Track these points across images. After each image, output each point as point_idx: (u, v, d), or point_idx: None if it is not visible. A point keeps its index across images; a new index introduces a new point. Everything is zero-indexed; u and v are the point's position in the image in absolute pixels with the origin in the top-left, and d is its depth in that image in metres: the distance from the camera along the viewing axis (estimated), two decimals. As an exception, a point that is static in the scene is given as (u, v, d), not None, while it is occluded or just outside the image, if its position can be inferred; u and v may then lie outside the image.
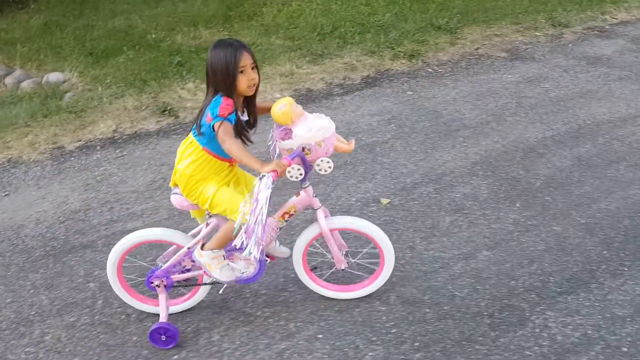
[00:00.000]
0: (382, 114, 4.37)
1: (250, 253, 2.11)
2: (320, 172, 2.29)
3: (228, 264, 2.47)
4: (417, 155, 3.81)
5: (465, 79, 4.93)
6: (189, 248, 2.47)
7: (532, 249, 2.94)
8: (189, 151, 2.29)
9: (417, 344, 2.43)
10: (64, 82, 5.07)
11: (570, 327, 2.48)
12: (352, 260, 2.68)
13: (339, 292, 2.71)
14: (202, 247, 2.43)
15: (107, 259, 2.53)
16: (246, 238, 2.12)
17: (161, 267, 2.54)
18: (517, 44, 5.62)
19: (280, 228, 2.48)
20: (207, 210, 2.37)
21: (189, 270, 2.56)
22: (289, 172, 2.22)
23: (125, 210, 3.37)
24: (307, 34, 5.79)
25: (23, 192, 3.62)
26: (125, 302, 2.65)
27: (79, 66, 5.25)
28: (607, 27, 6.09)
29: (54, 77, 5.09)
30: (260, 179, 2.08)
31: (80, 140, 4.17)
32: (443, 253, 2.93)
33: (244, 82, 2.17)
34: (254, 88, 2.22)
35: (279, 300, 2.71)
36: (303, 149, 2.26)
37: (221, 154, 2.27)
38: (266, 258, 2.56)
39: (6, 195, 3.62)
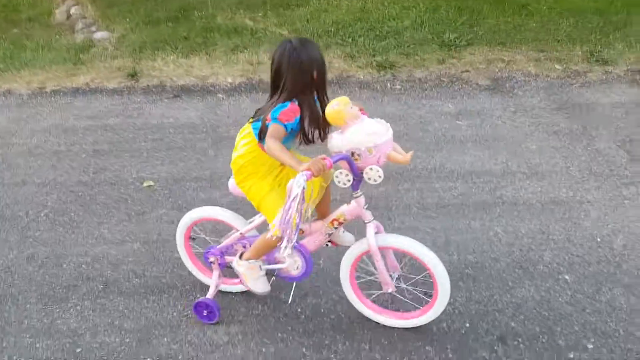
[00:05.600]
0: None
1: (283, 249, 2.09)
2: (369, 181, 2.18)
3: (264, 276, 2.58)
4: None
5: (407, 100, 4.72)
6: (242, 234, 2.59)
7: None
8: (244, 142, 2.36)
9: None
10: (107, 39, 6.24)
11: None
12: (404, 286, 2.57)
13: (387, 317, 2.60)
14: (240, 257, 2.56)
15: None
16: (281, 235, 2.11)
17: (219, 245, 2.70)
18: (514, 74, 5.03)
19: (330, 234, 2.46)
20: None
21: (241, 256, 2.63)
22: (336, 177, 2.18)
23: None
24: (317, 28, 5.99)
25: None
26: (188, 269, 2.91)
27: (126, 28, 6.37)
28: (666, 72, 5.00)
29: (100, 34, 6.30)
30: (295, 179, 2.04)
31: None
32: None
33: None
34: None
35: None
36: (352, 153, 2.16)
37: None
38: (328, 244, 2.56)
39: None
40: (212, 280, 2.74)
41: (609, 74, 4.98)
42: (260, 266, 2.54)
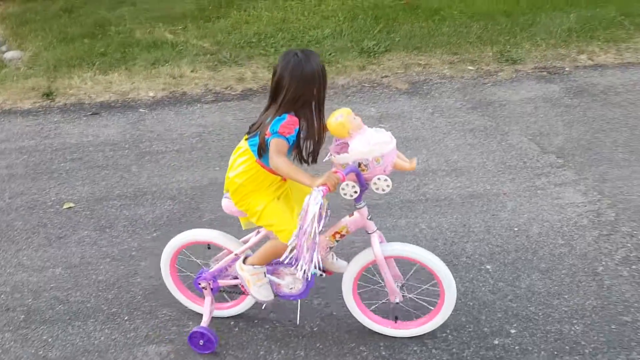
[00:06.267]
0: (204, 126, 4.51)
1: (301, 270, 2.04)
2: (377, 191, 2.14)
3: (268, 283, 2.45)
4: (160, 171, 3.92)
5: (333, 106, 4.62)
6: (236, 254, 2.48)
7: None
8: (240, 160, 2.28)
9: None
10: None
11: None
12: (408, 295, 2.57)
13: (390, 328, 2.57)
14: (244, 261, 2.44)
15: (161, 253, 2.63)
16: (296, 256, 2.06)
17: (210, 269, 2.57)
18: (430, 76, 5.23)
19: (331, 248, 2.39)
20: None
21: (236, 278, 2.53)
22: (342, 189, 2.11)
23: None
24: (239, 40, 6.00)
25: None
26: (175, 299, 2.73)
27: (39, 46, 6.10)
28: (567, 68, 5.34)
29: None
30: (311, 195, 1.99)
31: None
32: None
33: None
34: None
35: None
36: (359, 164, 2.13)
37: None
38: (322, 273, 2.43)
39: None
40: (205, 307, 2.58)
41: (518, 72, 5.27)
42: (264, 273, 2.43)
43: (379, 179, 2.11)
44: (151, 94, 5.07)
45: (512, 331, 2.60)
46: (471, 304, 2.76)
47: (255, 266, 2.40)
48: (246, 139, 2.27)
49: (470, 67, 5.38)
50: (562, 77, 5.16)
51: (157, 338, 2.62)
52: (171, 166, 3.99)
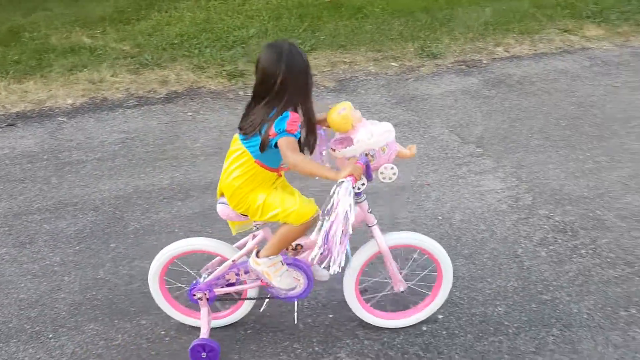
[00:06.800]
0: (127, 132, 4.39)
1: (335, 265, 2.00)
2: (384, 180, 2.17)
3: (287, 270, 2.38)
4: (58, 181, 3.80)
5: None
6: (233, 261, 2.41)
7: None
8: (237, 164, 2.20)
9: None
10: None
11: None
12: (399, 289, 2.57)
13: (390, 319, 2.61)
14: (257, 255, 2.35)
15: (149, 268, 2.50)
16: (326, 251, 2.01)
17: (204, 279, 2.47)
18: (356, 74, 5.33)
19: None
20: (255, 221, 2.32)
21: (233, 284, 2.48)
22: (381, 173, 2.15)
23: None
24: (161, 41, 5.87)
25: None
26: (167, 315, 2.62)
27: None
28: (484, 61, 5.58)
29: None
30: (339, 185, 1.97)
31: None
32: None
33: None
34: None
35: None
36: (367, 155, 2.15)
37: (273, 165, 2.22)
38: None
39: None
40: (202, 319, 2.51)
41: (439, 67, 5.45)
42: (281, 261, 2.35)
43: (385, 168, 2.14)
44: (70, 101, 4.87)
45: (440, 317, 2.69)
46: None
47: (270, 257, 2.32)
48: (236, 140, 2.20)
49: (393, 64, 5.51)
50: (480, 70, 5.38)
51: (85, 354, 2.54)
52: (93, 176, 3.86)
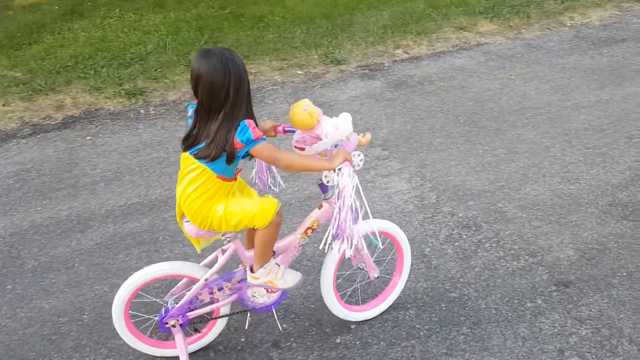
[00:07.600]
0: (22, 164, 4.12)
1: (350, 249, 2.14)
2: (355, 167, 2.24)
3: (284, 267, 2.39)
4: None
5: (164, 124, 4.64)
6: (206, 280, 2.32)
7: None
8: (197, 183, 2.09)
9: None
10: None
11: None
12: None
13: (364, 311, 2.71)
14: (252, 271, 2.35)
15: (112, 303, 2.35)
16: (338, 236, 2.12)
17: (174, 305, 2.38)
18: (262, 84, 5.28)
19: (302, 245, 2.43)
20: (224, 234, 2.27)
21: (206, 304, 2.42)
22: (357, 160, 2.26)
23: None
24: (55, 64, 5.57)
25: None
26: (138, 351, 2.49)
27: None
28: (386, 63, 5.69)
29: None
30: (339, 173, 2.11)
31: None
32: None
33: None
34: None
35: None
36: (336, 146, 2.20)
37: (231, 175, 2.16)
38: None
39: None
40: (179, 346, 2.42)
41: (343, 72, 5.50)
42: (276, 263, 2.36)
43: (354, 155, 2.24)
44: (-45, 135, 4.52)
45: (352, 326, 2.70)
46: (313, 306, 2.82)
47: (264, 266, 2.33)
48: (187, 159, 2.07)
49: (299, 72, 5.52)
50: (382, 73, 5.49)
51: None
52: (-16, 214, 3.59)
